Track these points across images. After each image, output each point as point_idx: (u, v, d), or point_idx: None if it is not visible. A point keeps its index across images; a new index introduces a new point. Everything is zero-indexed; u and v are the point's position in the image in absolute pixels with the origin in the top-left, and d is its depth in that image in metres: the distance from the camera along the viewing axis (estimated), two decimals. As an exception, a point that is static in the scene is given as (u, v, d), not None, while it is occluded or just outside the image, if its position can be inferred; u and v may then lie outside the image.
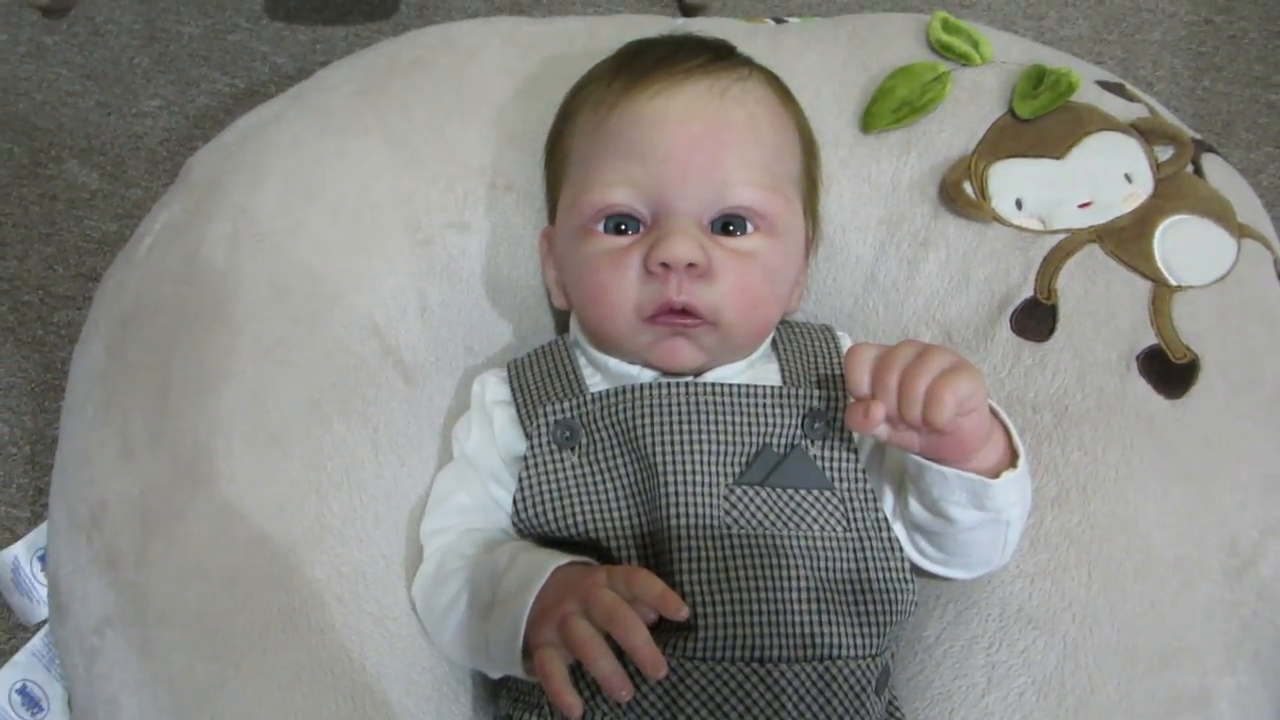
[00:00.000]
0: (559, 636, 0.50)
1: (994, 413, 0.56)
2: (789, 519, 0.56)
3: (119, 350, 0.66)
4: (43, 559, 0.74)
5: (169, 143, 1.08)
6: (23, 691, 0.77)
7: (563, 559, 0.54)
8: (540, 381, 0.62)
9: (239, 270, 0.67)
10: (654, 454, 0.56)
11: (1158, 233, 0.68)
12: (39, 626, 0.80)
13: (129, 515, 0.61)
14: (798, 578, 0.55)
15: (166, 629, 0.59)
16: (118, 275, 0.71)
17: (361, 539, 0.62)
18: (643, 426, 0.57)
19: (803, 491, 0.57)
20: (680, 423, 0.57)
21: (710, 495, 0.56)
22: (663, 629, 0.54)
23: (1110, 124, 0.72)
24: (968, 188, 0.70)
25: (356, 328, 0.67)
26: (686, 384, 0.58)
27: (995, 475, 0.55)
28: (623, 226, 0.60)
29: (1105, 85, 0.75)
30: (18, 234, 1.04)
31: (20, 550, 0.81)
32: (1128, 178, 0.70)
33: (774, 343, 0.65)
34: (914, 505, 0.58)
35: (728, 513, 0.56)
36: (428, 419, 0.68)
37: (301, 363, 0.65)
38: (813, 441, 0.59)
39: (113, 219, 1.04)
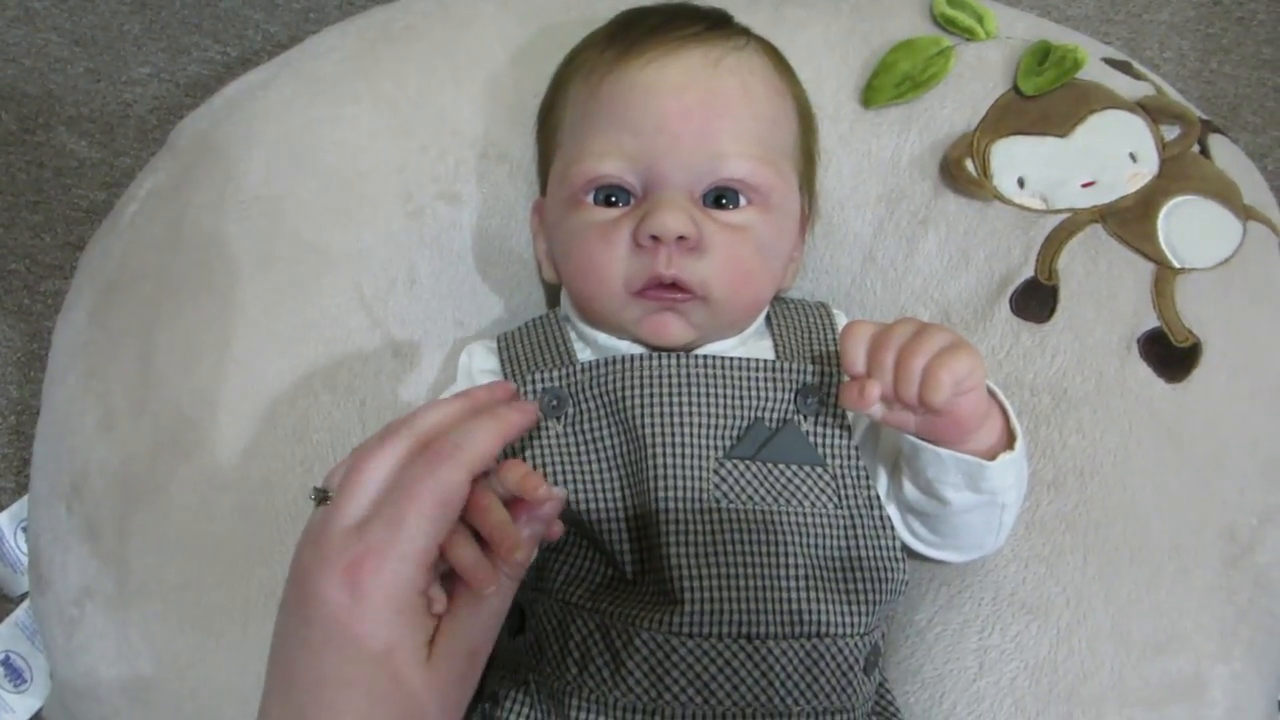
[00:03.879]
0: None
1: (991, 394, 0.55)
2: (780, 494, 0.56)
3: (102, 319, 0.65)
4: (26, 530, 0.73)
5: (159, 111, 1.06)
6: (5, 663, 0.77)
7: None
8: (529, 352, 0.61)
9: (225, 239, 0.66)
10: (642, 425, 0.55)
11: (1162, 213, 0.67)
12: (22, 598, 0.80)
13: (110, 486, 0.61)
14: (787, 553, 0.54)
15: (147, 601, 0.58)
16: (102, 242, 0.69)
17: (346, 513, 0.61)
18: (631, 397, 0.56)
19: (794, 467, 0.57)
20: (670, 394, 0.56)
21: (699, 468, 0.55)
22: (650, 604, 0.53)
23: (1116, 102, 0.70)
24: (969, 165, 0.69)
25: (344, 299, 0.66)
26: (677, 356, 0.57)
27: (991, 457, 0.54)
28: (613, 198, 0.58)
29: (1111, 63, 0.74)
30: (4, 202, 1.02)
31: (4, 521, 0.81)
32: (1132, 157, 0.69)
33: (768, 319, 0.64)
34: (908, 486, 0.57)
35: (717, 486, 0.55)
36: (416, 392, 0.67)
37: (287, 333, 0.64)
38: (805, 417, 0.58)
39: (101, 187, 1.03)
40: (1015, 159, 0.69)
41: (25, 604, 0.79)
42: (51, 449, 0.64)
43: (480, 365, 0.62)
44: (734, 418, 0.56)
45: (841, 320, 0.64)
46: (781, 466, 0.56)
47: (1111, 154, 0.69)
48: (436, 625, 0.46)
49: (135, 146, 1.05)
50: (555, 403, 0.57)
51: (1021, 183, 0.69)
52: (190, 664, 0.57)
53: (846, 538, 0.56)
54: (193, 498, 0.60)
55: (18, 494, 0.87)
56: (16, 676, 0.77)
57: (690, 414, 0.56)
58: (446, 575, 0.47)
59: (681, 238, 0.55)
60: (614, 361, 0.57)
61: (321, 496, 0.47)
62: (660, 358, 0.57)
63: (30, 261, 1.00)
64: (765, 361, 0.58)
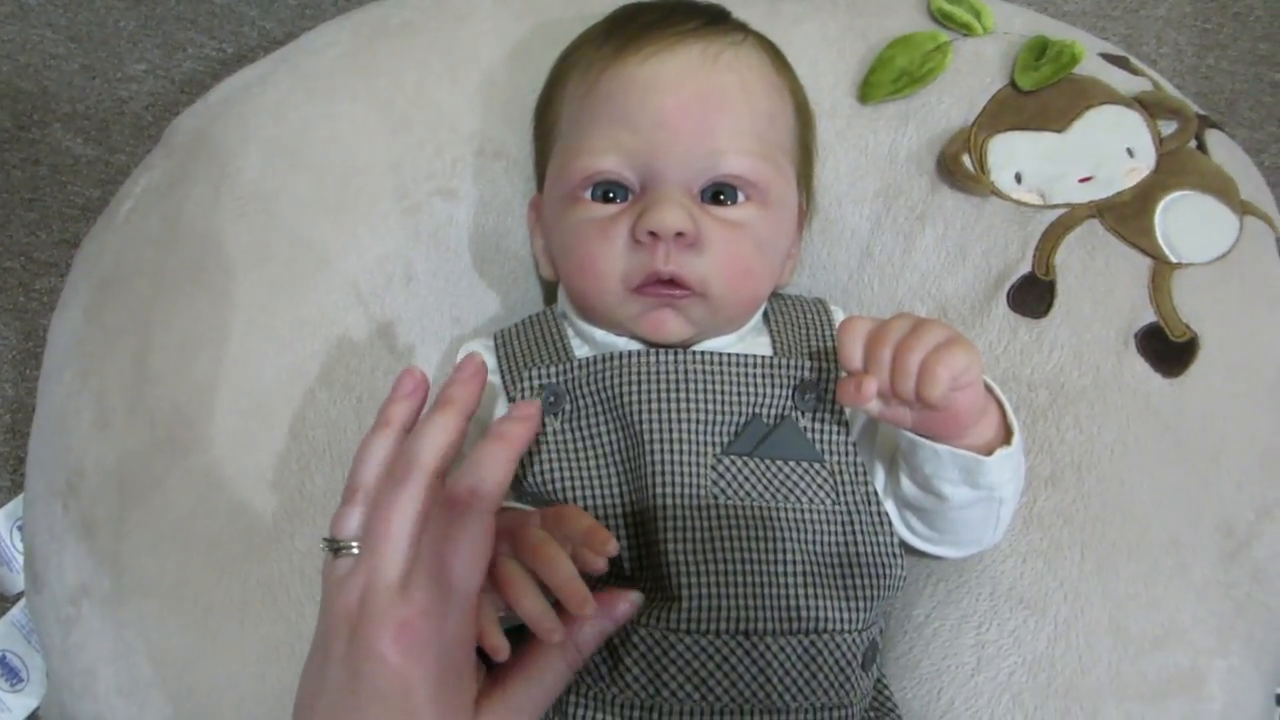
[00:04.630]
0: (489, 580, 0.48)
1: (989, 389, 0.55)
2: (777, 490, 0.56)
3: (97, 315, 0.65)
4: (22, 529, 0.73)
5: (155, 108, 1.06)
6: (2, 662, 0.77)
7: (504, 504, 0.53)
8: (527, 349, 0.61)
9: (221, 235, 0.65)
10: (640, 421, 0.55)
11: (1159, 209, 0.67)
12: (18, 597, 0.79)
13: (106, 483, 0.60)
14: (785, 549, 0.54)
15: (143, 599, 0.58)
16: (98, 239, 0.69)
17: (343, 510, 0.61)
18: (629, 393, 0.56)
19: (792, 463, 0.57)
20: (667, 390, 0.56)
21: (697, 464, 0.55)
22: (647, 601, 0.53)
23: (1113, 97, 0.70)
24: (966, 160, 0.69)
25: (341, 295, 0.66)
26: (675, 352, 0.57)
27: (989, 452, 0.54)
28: (610, 194, 0.58)
29: (1109, 58, 0.74)
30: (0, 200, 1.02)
31: (0, 519, 0.80)
32: (1130, 152, 0.69)
33: (765, 315, 0.64)
34: (905, 482, 0.57)
35: (715, 482, 0.55)
36: (413, 390, 0.67)
37: (283, 330, 0.64)
38: (803, 413, 0.58)
39: (96, 185, 1.03)
40: (1013, 154, 0.69)
41: (21, 603, 0.79)
42: (47, 447, 0.64)
43: (477, 364, 0.62)
44: (732, 414, 0.56)
45: (839, 316, 0.64)
46: (779, 463, 0.56)
47: (1109, 149, 0.69)
48: (487, 682, 0.46)
49: (131, 143, 1.05)
50: (553, 399, 0.57)
51: (1019, 178, 0.69)
52: (187, 662, 0.57)
53: (844, 533, 0.56)
54: (189, 495, 0.59)
55: (14, 492, 0.87)
56: (13, 676, 0.77)
57: (688, 410, 0.55)
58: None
59: (680, 234, 0.55)
60: (612, 358, 0.57)
61: (334, 546, 0.46)
62: (658, 354, 0.57)
63: (25, 259, 0.99)
64: (763, 358, 0.58)
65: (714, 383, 0.56)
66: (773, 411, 0.57)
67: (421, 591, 0.44)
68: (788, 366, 0.58)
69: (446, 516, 0.45)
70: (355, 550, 0.46)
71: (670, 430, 0.55)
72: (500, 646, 0.47)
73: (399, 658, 0.43)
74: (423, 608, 0.43)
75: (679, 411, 0.55)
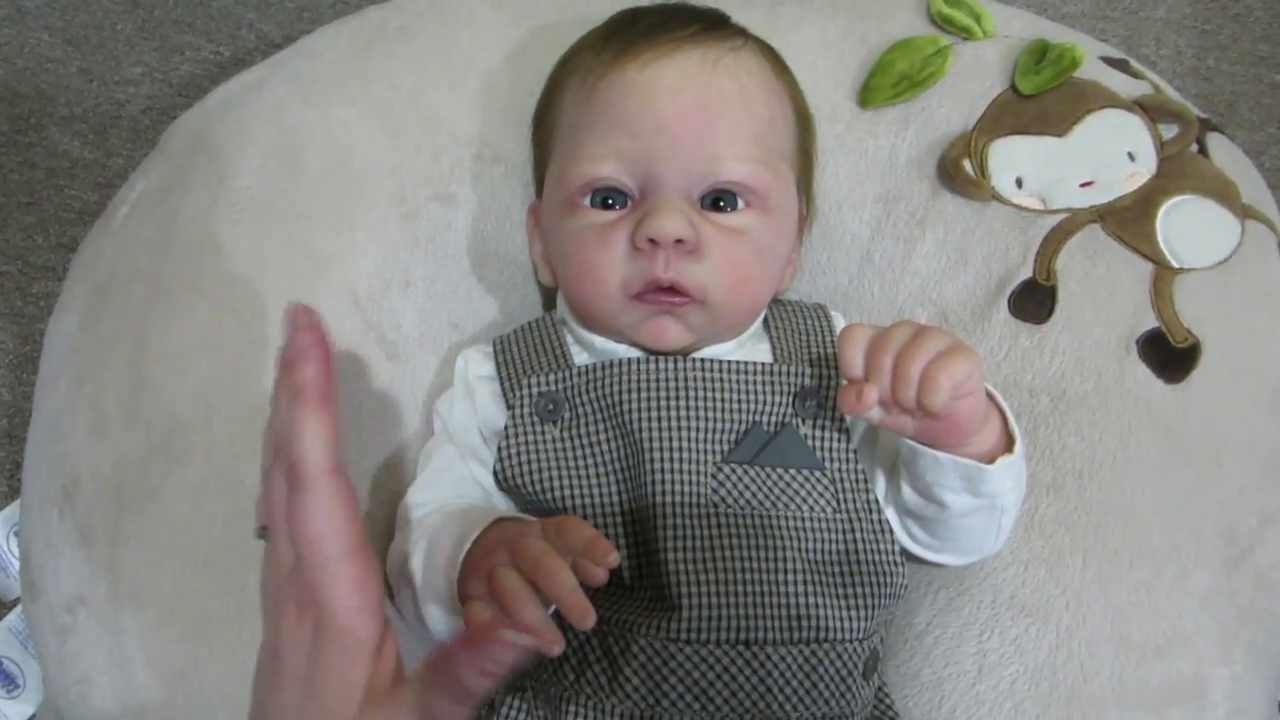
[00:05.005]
0: (486, 589, 0.48)
1: (990, 396, 0.55)
2: (778, 498, 0.55)
3: (93, 322, 0.65)
4: (18, 535, 0.73)
5: (152, 111, 1.06)
6: (-1, 668, 0.76)
7: (505, 514, 0.53)
8: (525, 356, 0.61)
9: (217, 241, 0.65)
10: (639, 429, 0.55)
11: (1160, 213, 0.67)
12: (15, 603, 0.79)
13: (102, 491, 0.60)
14: (786, 557, 0.54)
15: (140, 608, 0.58)
16: (94, 245, 0.69)
17: (341, 518, 0.61)
18: (629, 401, 0.55)
19: (792, 471, 0.56)
20: (667, 398, 0.55)
21: (697, 472, 0.54)
22: (647, 611, 0.53)
23: (1114, 101, 0.70)
24: (967, 165, 0.68)
25: (338, 301, 0.65)
26: (675, 359, 0.57)
27: (990, 460, 0.54)
28: (610, 201, 0.58)
29: (1109, 61, 0.73)
30: (-4, 203, 1.02)
31: (-4, 525, 0.80)
32: (1131, 156, 0.69)
33: (765, 321, 0.63)
34: (906, 490, 0.57)
35: (715, 491, 0.55)
36: (411, 396, 0.66)
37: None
38: (803, 420, 0.57)
39: (93, 188, 1.02)
40: (1013, 159, 0.69)
41: (17, 609, 0.78)
42: (43, 454, 0.63)
43: (476, 371, 0.62)
44: (732, 421, 0.56)
45: (839, 322, 0.64)
46: (780, 470, 0.56)
47: (1110, 153, 0.69)
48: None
49: (128, 147, 1.04)
50: (551, 407, 0.57)
51: (1019, 182, 0.68)
52: (184, 672, 0.56)
53: (845, 541, 0.56)
54: (186, 503, 0.59)
55: (10, 497, 0.87)
56: (9, 682, 0.77)
57: (688, 418, 0.55)
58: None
59: (679, 241, 0.55)
60: (611, 365, 0.57)
61: (260, 533, 0.49)
62: (658, 361, 0.56)
63: (22, 263, 0.99)
64: (763, 365, 0.57)
65: (714, 390, 0.56)
66: (773, 419, 0.57)
67: (291, 561, 0.45)
68: (788, 374, 0.57)
69: (291, 494, 0.44)
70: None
71: (670, 438, 0.55)
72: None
73: (300, 629, 0.44)
74: (292, 574, 0.44)
75: (679, 419, 0.55)
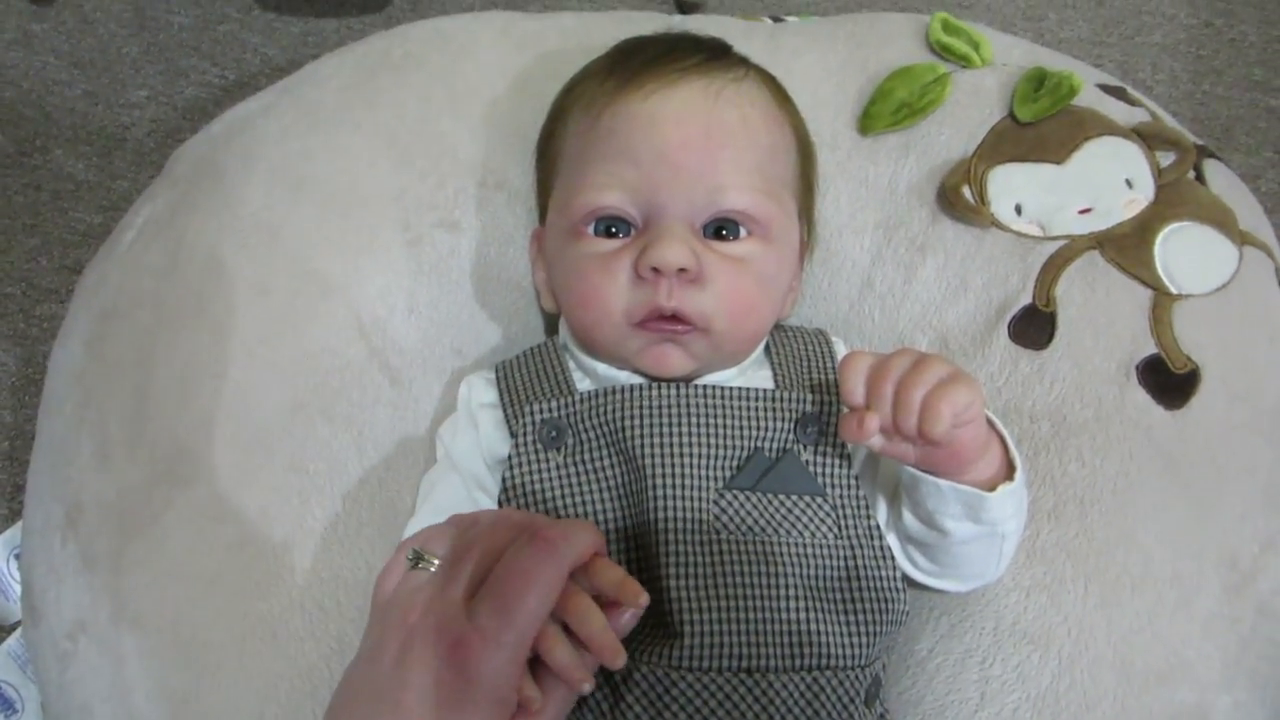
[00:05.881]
0: None
1: (991, 424, 0.55)
2: (780, 524, 0.55)
3: (98, 348, 0.65)
4: (20, 558, 0.73)
5: (157, 134, 1.07)
6: (-2, 693, 0.76)
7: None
8: (528, 382, 0.61)
9: (222, 266, 0.65)
10: (642, 456, 0.55)
11: (1159, 240, 0.67)
12: (15, 627, 0.79)
13: (105, 517, 0.60)
14: (788, 584, 0.54)
15: (142, 635, 0.58)
16: (99, 269, 0.69)
17: (344, 544, 0.61)
18: (631, 428, 0.56)
19: (794, 497, 0.56)
20: (670, 425, 0.56)
21: (700, 499, 0.55)
22: (649, 638, 0.53)
23: (1112, 129, 0.71)
24: (966, 192, 0.69)
25: (342, 328, 0.66)
26: (677, 386, 0.57)
27: (991, 488, 0.54)
28: (613, 229, 0.58)
29: (1107, 89, 0.74)
30: (1, 225, 1.02)
31: (-3, 548, 0.80)
32: (1129, 183, 0.69)
33: (767, 347, 0.64)
34: (908, 517, 0.57)
35: (717, 517, 0.55)
36: (414, 422, 0.67)
37: (285, 363, 0.64)
38: (805, 447, 0.57)
39: (98, 211, 1.03)
40: (1012, 186, 0.69)
41: (17, 633, 0.78)
42: (47, 480, 0.63)
43: (479, 399, 0.62)
44: (734, 448, 0.56)
45: (840, 348, 0.64)
46: (782, 496, 0.56)
47: (1108, 181, 0.69)
48: None
49: (133, 169, 1.05)
50: (554, 434, 0.57)
51: (1019, 209, 0.69)
52: (185, 699, 0.56)
53: (847, 567, 0.56)
54: (189, 530, 0.59)
55: (11, 520, 0.87)
56: (8, 707, 0.77)
57: (690, 444, 0.55)
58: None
59: (682, 270, 0.55)
60: (614, 392, 0.57)
61: (417, 559, 0.48)
62: (660, 388, 0.57)
63: (26, 285, 0.99)
64: (765, 391, 0.58)
65: (716, 417, 0.56)
66: (775, 445, 0.57)
67: (485, 617, 0.44)
68: (789, 400, 0.58)
69: (532, 555, 0.45)
70: (434, 568, 0.47)
71: (673, 465, 0.55)
72: (530, 696, 0.46)
73: (450, 673, 0.43)
74: (482, 630, 0.44)
75: (681, 446, 0.55)
